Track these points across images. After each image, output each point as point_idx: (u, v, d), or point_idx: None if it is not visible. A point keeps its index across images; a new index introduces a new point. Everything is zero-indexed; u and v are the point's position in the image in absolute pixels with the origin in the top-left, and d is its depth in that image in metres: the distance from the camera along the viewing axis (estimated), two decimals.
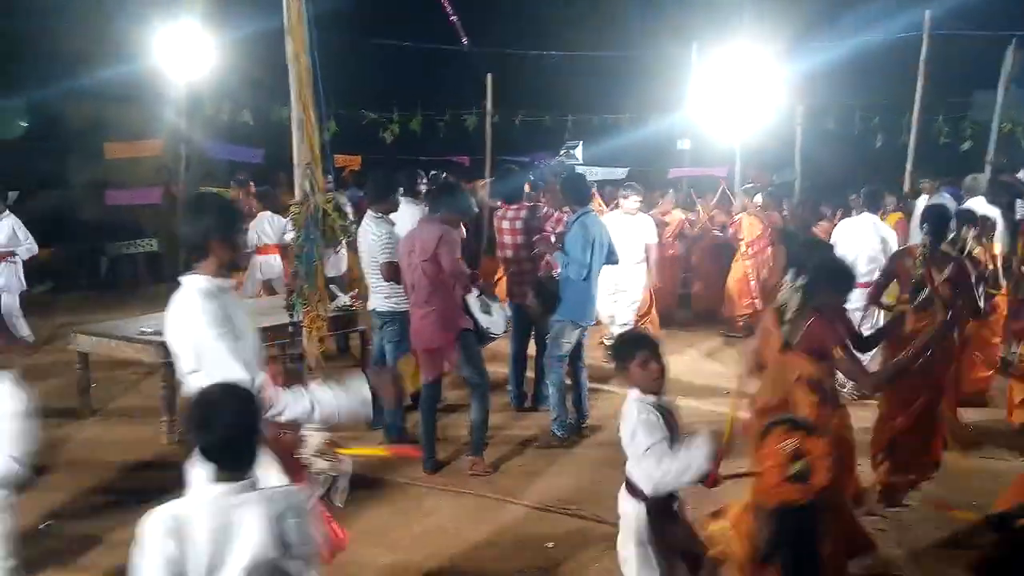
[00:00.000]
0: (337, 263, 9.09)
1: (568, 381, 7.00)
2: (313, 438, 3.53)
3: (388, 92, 14.18)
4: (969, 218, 7.03)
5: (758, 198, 10.86)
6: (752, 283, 10.63)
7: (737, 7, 14.61)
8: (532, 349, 7.63)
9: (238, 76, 13.12)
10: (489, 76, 12.76)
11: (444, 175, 10.61)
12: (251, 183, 11.19)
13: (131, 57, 12.26)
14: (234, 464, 2.57)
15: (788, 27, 13.52)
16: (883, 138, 12.72)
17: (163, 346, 6.58)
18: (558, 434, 6.80)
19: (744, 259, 10.72)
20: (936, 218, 6.10)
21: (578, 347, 6.95)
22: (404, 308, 6.40)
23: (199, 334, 3.18)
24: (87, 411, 7.34)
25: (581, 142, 13.60)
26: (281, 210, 9.81)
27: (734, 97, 11.72)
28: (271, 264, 9.94)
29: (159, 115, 13.24)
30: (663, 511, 3.53)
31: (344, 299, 8.01)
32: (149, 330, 6.83)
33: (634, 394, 3.58)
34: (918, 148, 10.73)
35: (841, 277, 4.49)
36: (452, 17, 11.00)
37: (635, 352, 3.57)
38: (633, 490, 3.56)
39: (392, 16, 15.14)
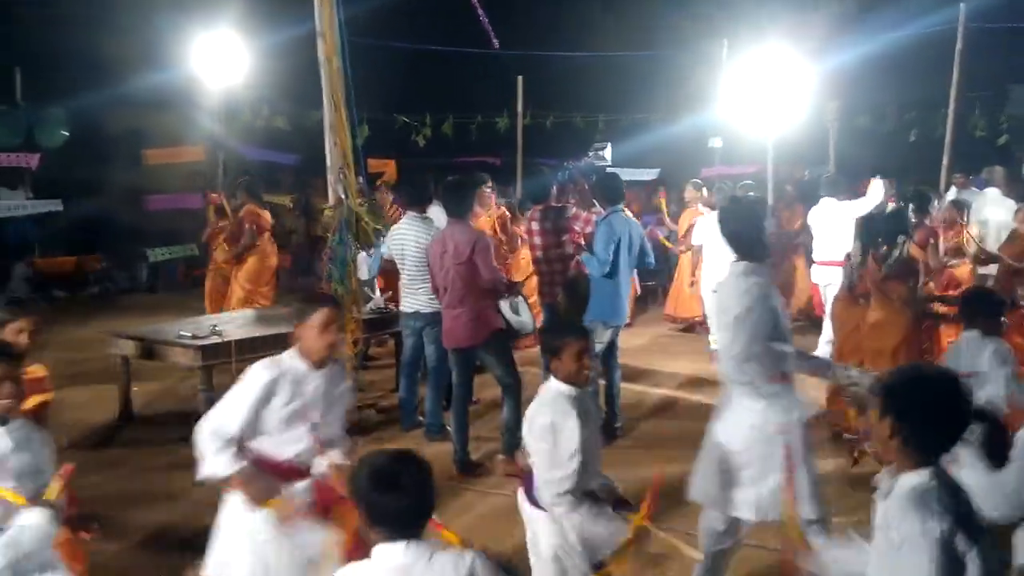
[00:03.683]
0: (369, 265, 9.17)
1: (601, 381, 7.02)
2: None
3: (420, 96, 14.29)
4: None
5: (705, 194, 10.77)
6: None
7: (768, 4, 14.51)
8: None
9: (273, 82, 13.30)
10: (520, 78, 12.80)
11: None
12: None
13: (168, 65, 12.47)
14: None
15: (820, 23, 13.43)
16: (917, 133, 12.60)
17: (202, 349, 6.74)
18: None
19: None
20: (917, 197, 8.12)
21: (611, 347, 6.96)
22: None
23: (736, 311, 3.80)
24: (128, 414, 7.50)
25: (609, 143, 13.60)
26: None
27: (766, 95, 11.64)
28: None
29: (196, 122, 13.47)
30: None
31: (379, 300, 8.09)
32: (188, 334, 6.96)
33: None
34: (953, 143, 10.60)
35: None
36: (483, 19, 11.03)
37: None
38: None
39: (422, 20, 15.24)
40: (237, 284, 9.70)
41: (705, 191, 10.88)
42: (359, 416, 7.37)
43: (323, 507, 3.55)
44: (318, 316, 3.58)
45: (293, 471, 3.58)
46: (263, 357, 7.89)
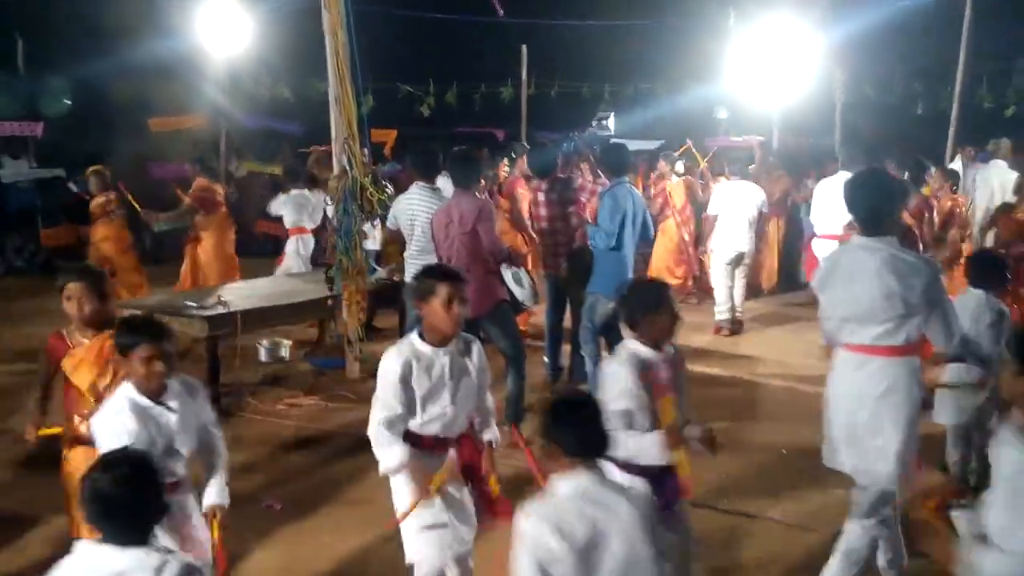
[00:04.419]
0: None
1: (605, 353, 7.06)
2: None
3: (423, 65, 14.21)
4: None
5: (679, 165, 10.79)
6: (691, 250, 10.54)
7: None
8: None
9: (277, 51, 13.24)
10: (524, 47, 12.72)
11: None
12: None
13: (172, 34, 12.42)
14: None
15: None
16: (924, 105, 12.55)
17: (208, 320, 6.76)
18: None
19: (679, 228, 10.54)
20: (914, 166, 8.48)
21: (615, 319, 6.98)
22: None
23: (927, 288, 3.78)
24: None
25: (613, 113, 13.54)
26: None
27: (772, 65, 11.58)
28: None
29: (200, 91, 13.43)
30: None
31: (381, 273, 8.10)
32: (194, 304, 6.97)
33: None
34: (960, 115, 10.55)
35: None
36: None
37: None
38: None
39: None
40: (199, 265, 9.38)
41: (680, 165, 10.90)
42: (363, 386, 7.45)
43: (465, 469, 3.69)
44: (442, 292, 3.51)
45: (437, 445, 3.64)
46: (269, 328, 7.95)
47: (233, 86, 12.67)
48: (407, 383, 3.54)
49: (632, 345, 3.54)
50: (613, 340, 7.03)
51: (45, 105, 13.09)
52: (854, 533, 3.97)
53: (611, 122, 13.98)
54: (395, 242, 7.37)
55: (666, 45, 15.09)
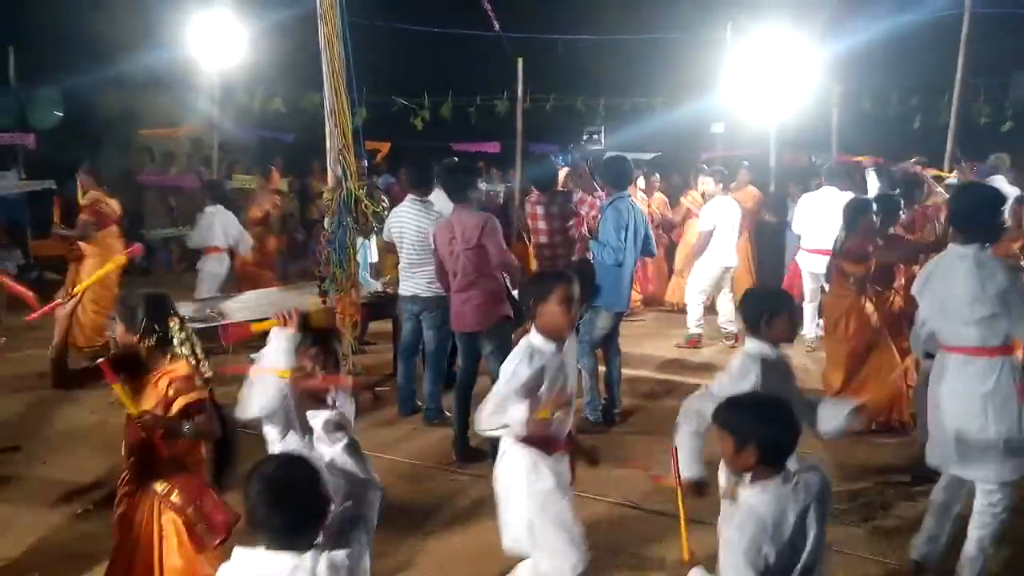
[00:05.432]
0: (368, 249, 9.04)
1: (602, 368, 6.98)
2: None
3: (418, 78, 14.16)
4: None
5: (640, 180, 10.71)
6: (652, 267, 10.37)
7: None
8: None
9: (270, 63, 13.18)
10: (520, 61, 12.66)
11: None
12: None
13: (165, 46, 12.37)
14: None
15: (825, 6, 13.30)
16: (921, 119, 12.52)
17: (202, 332, 6.63)
18: (590, 419, 6.80)
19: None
20: (904, 184, 8.29)
21: (613, 333, 6.92)
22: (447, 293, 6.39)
23: (1001, 288, 4.04)
24: None
25: (603, 127, 13.47)
26: None
27: (769, 79, 11.54)
28: None
29: (192, 103, 13.36)
30: None
31: (376, 285, 8.01)
32: (187, 315, 6.85)
33: None
34: (957, 130, 10.52)
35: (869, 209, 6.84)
36: (484, 1, 10.98)
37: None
38: None
39: (422, 1, 15.09)
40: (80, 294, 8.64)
41: (641, 180, 10.78)
42: (356, 400, 7.33)
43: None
44: (559, 292, 3.68)
45: (554, 442, 3.84)
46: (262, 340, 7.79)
47: (226, 98, 12.61)
48: (538, 384, 3.67)
49: (757, 346, 3.75)
50: (610, 353, 6.98)
51: (36, 116, 12.96)
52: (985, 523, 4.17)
53: (602, 136, 13.91)
54: (393, 254, 7.31)
55: (662, 59, 15.06)
